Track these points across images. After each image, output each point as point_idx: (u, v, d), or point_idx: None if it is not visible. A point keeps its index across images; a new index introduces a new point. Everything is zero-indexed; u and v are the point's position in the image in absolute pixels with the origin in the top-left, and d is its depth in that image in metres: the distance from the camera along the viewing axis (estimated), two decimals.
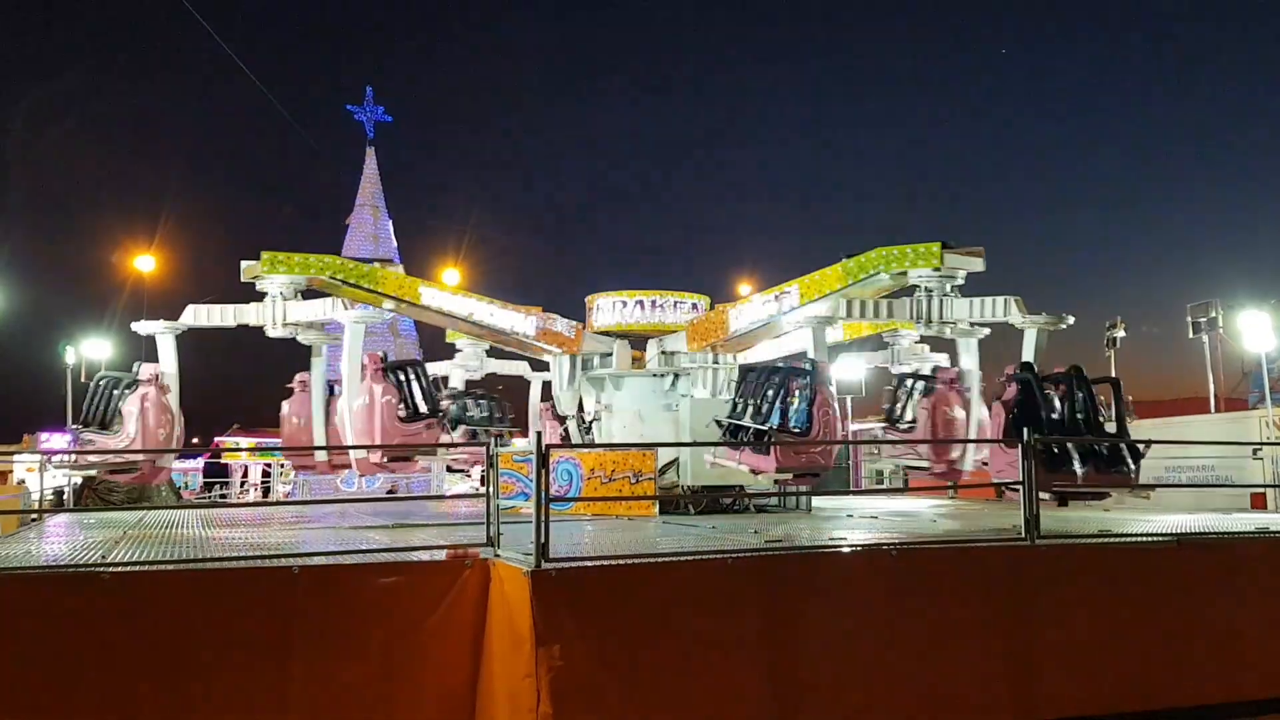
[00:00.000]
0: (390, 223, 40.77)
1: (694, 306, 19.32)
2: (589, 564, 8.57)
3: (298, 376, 16.95)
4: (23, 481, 24.24)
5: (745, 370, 15.55)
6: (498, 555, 9.01)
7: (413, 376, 16.38)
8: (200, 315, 16.53)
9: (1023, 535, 9.90)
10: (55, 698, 7.77)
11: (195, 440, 35.07)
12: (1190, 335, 24.56)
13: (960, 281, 14.86)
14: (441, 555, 9.17)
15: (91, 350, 26.51)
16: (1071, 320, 14.83)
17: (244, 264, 16.08)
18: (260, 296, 16.28)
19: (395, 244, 40.68)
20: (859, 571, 9.32)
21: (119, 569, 8.34)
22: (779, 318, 16.60)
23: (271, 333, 16.26)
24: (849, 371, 26.96)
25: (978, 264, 14.74)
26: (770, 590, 8.80)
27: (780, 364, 15.49)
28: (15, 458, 27.25)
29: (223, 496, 35.04)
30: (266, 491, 36.60)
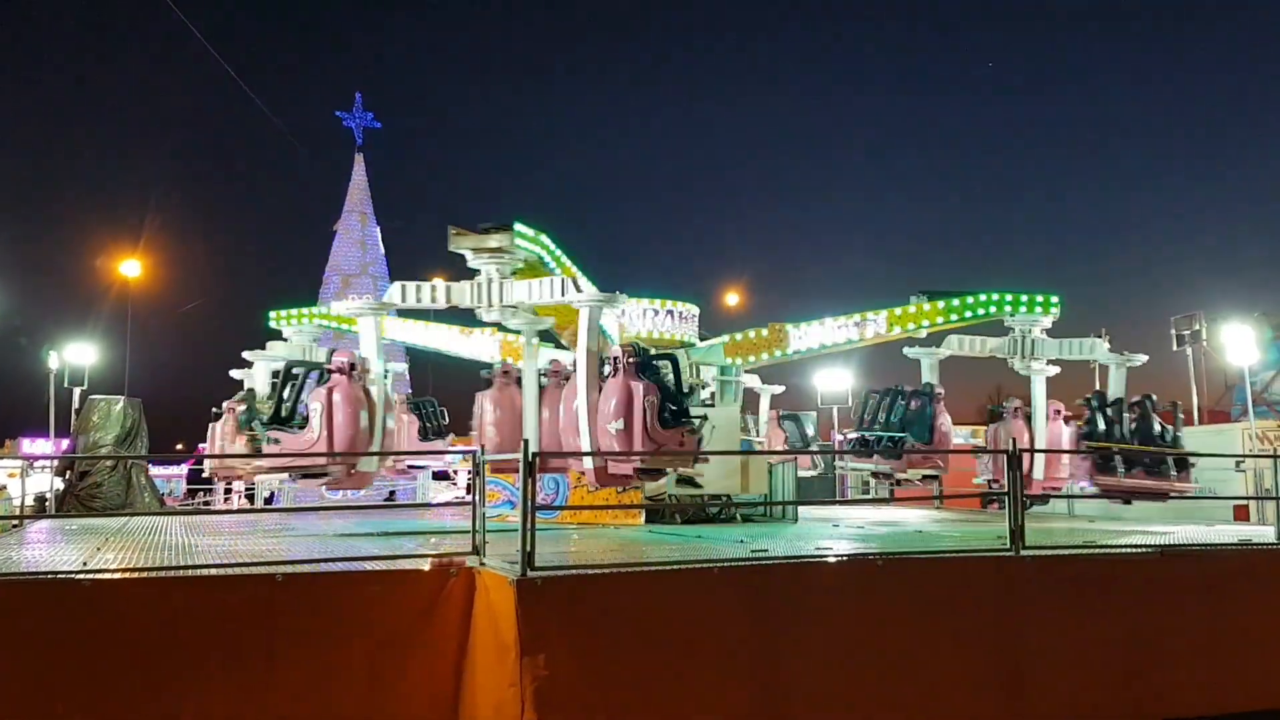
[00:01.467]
0: (378, 229, 40.72)
1: (687, 316, 19.30)
2: (575, 573, 8.54)
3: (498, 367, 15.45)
4: (3, 487, 24.03)
5: (871, 393, 18.12)
6: (483, 564, 8.97)
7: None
8: (409, 294, 14.19)
9: (1008, 546, 9.91)
10: (34, 706, 7.69)
11: (180, 446, 34.90)
12: (1174, 348, 24.69)
13: (1049, 325, 16.86)
14: (426, 564, 9.12)
15: (75, 355, 26.31)
16: (1144, 359, 17.19)
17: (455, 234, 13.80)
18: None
19: (383, 250, 40.62)
20: (845, 582, 9.31)
21: (98, 576, 8.26)
22: (855, 342, 17.96)
23: (485, 316, 14.18)
24: (838, 382, 27.07)
25: (1048, 321, 16.82)
26: (756, 600, 8.78)
27: (904, 388, 17.66)
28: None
29: (206, 503, 34.78)
30: (251, 498, 36.36)
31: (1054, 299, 16.79)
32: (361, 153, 40.86)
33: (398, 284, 14.17)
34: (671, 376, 13.42)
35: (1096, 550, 10.66)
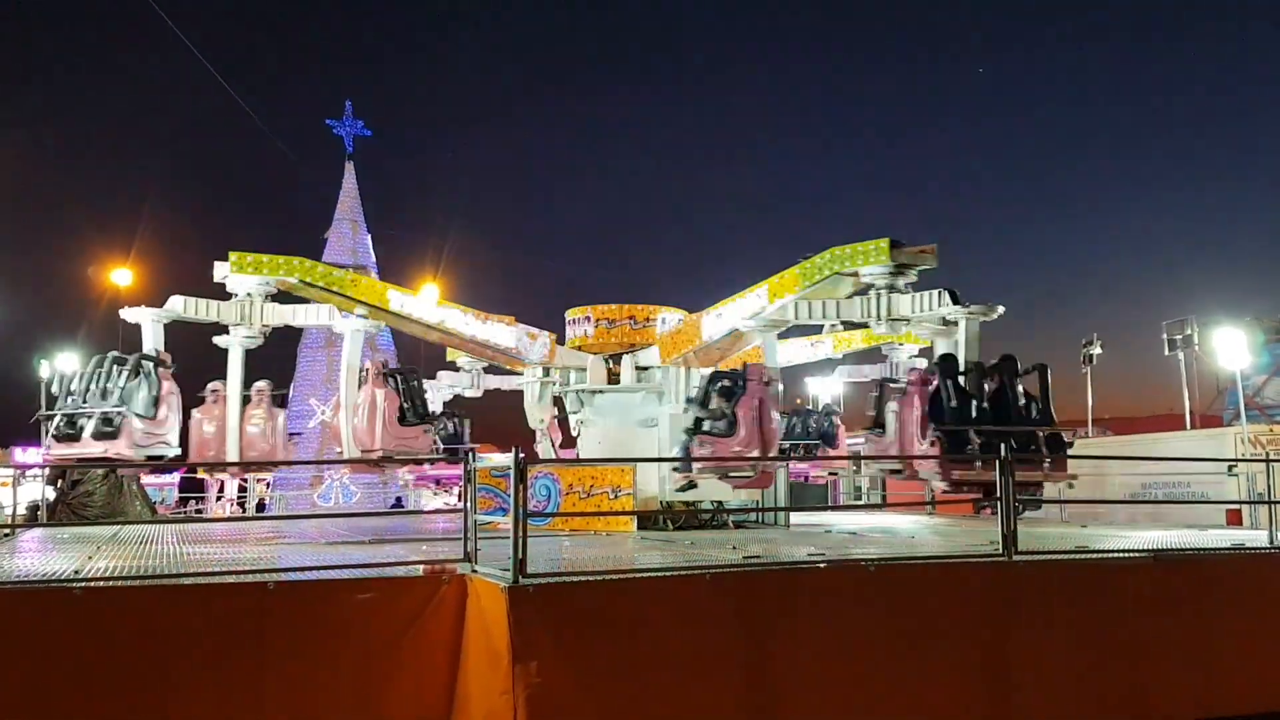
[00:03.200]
0: (369, 237, 40.68)
1: (669, 320, 19.22)
2: (567, 580, 8.53)
3: (210, 386, 16.36)
4: None
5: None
6: (475, 571, 8.95)
7: (412, 383, 16.57)
8: (188, 307, 15.93)
9: (1001, 551, 9.92)
10: (25, 715, 7.66)
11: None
12: (1166, 352, 24.78)
13: (913, 279, 14.55)
14: (418, 571, 9.11)
15: (67, 365, 26.22)
16: (1001, 310, 14.26)
17: (218, 264, 15.68)
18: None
19: (374, 258, 40.55)
20: (837, 588, 9.29)
21: (91, 584, 8.23)
22: (743, 323, 15.92)
23: (244, 334, 15.75)
24: (833, 385, 26.99)
25: (930, 261, 14.46)
26: (749, 606, 8.78)
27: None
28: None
29: (198, 511, 34.73)
30: (243, 506, 36.33)
31: (883, 243, 14.27)
32: (352, 160, 40.87)
33: (178, 297, 15.88)
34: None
35: (1089, 555, 10.67)
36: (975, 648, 9.42)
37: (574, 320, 19.08)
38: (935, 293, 14.23)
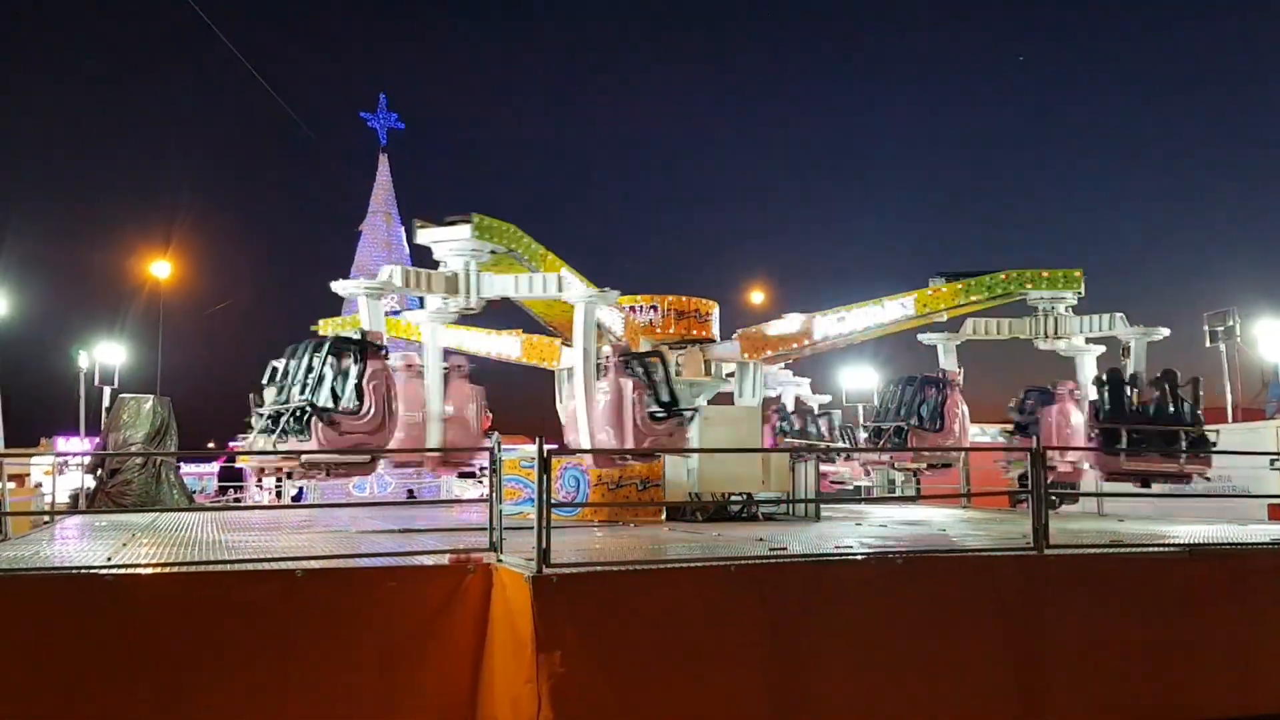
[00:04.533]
0: (403, 229, 40.87)
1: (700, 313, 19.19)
2: (591, 570, 8.52)
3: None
4: (39, 484, 24.32)
5: (890, 384, 17.74)
6: (500, 560, 8.97)
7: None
8: (400, 278, 14.40)
9: (1032, 545, 9.79)
10: (56, 699, 7.78)
11: (211, 444, 35.25)
12: (1207, 344, 24.36)
13: (1074, 303, 16.85)
14: (444, 560, 9.14)
15: (105, 355, 26.66)
16: (1166, 332, 17.14)
17: (420, 229, 14.59)
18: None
19: (408, 250, 40.77)
20: (864, 581, 9.22)
21: (121, 571, 8.33)
22: (924, 336, 17.97)
23: (450, 307, 14.68)
24: (864, 379, 26.88)
25: (1072, 297, 16.92)
26: (774, 599, 8.71)
27: (917, 376, 17.28)
28: (34, 459, 27.22)
29: (237, 500, 35.08)
30: (280, 495, 36.66)
31: (1076, 273, 16.75)
32: (385, 153, 41.11)
33: (391, 266, 14.46)
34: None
35: (1123, 549, 10.51)
36: (1006, 643, 9.29)
37: (631, 308, 18.96)
38: (1112, 315, 17.10)
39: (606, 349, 14.39)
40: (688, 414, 14.78)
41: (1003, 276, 16.82)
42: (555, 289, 14.50)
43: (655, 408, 14.28)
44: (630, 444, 13.56)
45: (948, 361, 17.61)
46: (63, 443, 36.70)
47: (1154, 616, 9.81)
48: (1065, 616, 9.53)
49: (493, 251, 14.60)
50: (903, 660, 8.92)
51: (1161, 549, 10.64)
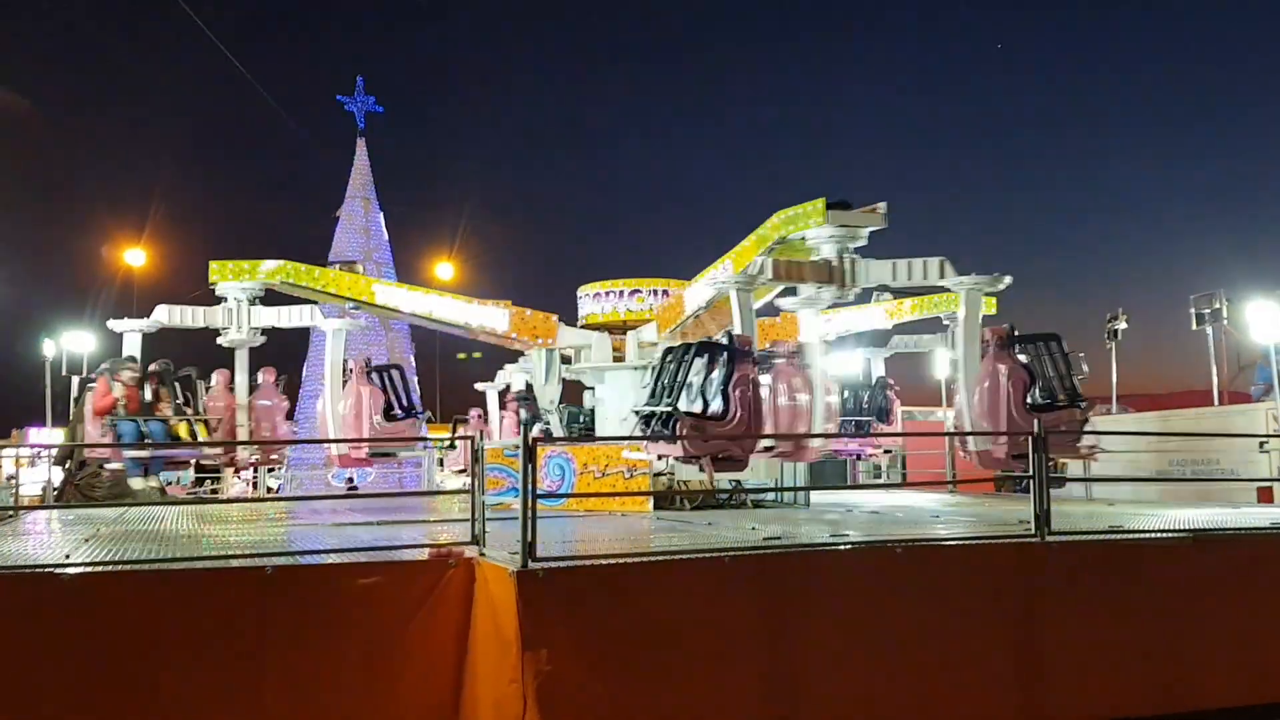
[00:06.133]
0: (381, 215, 40.22)
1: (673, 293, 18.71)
2: (578, 563, 8.14)
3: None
4: (13, 477, 23.73)
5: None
6: (483, 554, 8.59)
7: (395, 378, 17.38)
8: (173, 315, 17.05)
9: (1033, 531, 9.49)
10: (11, 703, 7.35)
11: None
12: (1194, 326, 24.17)
13: (862, 243, 14.03)
14: (424, 554, 8.75)
15: (72, 343, 26.02)
16: (1009, 280, 14.37)
17: (212, 265, 16.68)
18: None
19: (386, 236, 40.12)
20: (862, 570, 8.89)
21: (78, 569, 7.89)
22: (710, 295, 15.31)
23: (235, 335, 16.84)
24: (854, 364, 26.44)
25: (877, 222, 13.84)
26: (769, 590, 8.37)
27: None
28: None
29: (213, 492, 34.53)
30: (255, 486, 36.12)
31: (817, 202, 13.61)
32: (363, 137, 40.41)
33: (162, 306, 17.36)
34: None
35: (1126, 535, 10.23)
36: (1007, 633, 9.00)
37: (631, 291, 18.39)
38: (935, 261, 14.06)
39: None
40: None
41: (775, 220, 14.13)
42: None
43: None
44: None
45: (745, 318, 14.03)
46: (34, 434, 36.02)
47: (1159, 604, 9.55)
48: (1068, 605, 9.25)
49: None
50: (901, 652, 8.61)
51: (1165, 534, 10.37)
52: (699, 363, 12.71)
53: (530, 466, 8.08)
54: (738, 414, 12.47)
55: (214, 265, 16.46)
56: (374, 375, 17.47)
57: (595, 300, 18.40)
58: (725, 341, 13.00)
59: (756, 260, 14.32)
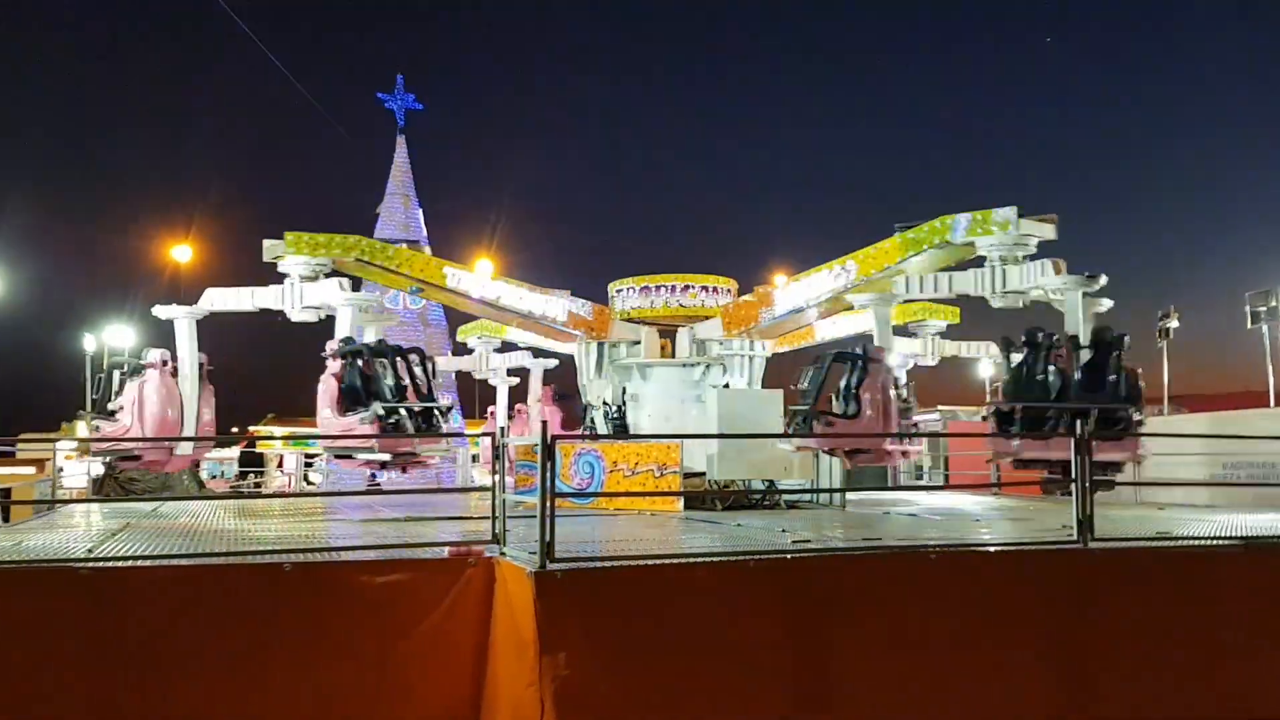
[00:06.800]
0: (420, 211, 40.35)
1: (721, 291, 18.49)
2: (598, 565, 7.90)
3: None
4: (61, 469, 24.01)
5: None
6: (503, 554, 8.39)
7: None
8: (219, 300, 16.29)
9: (1075, 537, 9.11)
10: (27, 696, 7.27)
11: (234, 429, 34.96)
12: (1249, 325, 23.42)
13: (1032, 251, 14.00)
14: (443, 553, 8.56)
15: (114, 337, 26.32)
16: (1104, 280, 14.11)
17: (266, 243, 15.86)
18: (280, 280, 16.03)
19: (425, 233, 40.21)
20: (894, 577, 8.54)
21: (96, 564, 7.81)
22: (827, 296, 15.87)
23: (294, 316, 15.96)
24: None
25: (1050, 232, 13.89)
26: (796, 596, 8.07)
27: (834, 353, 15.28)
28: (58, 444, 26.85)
29: (256, 486, 34.81)
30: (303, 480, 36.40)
31: (1006, 211, 13.82)
32: (403, 134, 40.54)
33: (209, 290, 16.40)
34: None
35: (1173, 542, 9.82)
36: (1049, 643, 8.62)
37: (684, 287, 18.17)
38: (1040, 264, 13.93)
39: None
40: None
41: (937, 224, 14.32)
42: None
43: None
44: None
45: (882, 330, 15.11)
46: (82, 429, 36.53)
47: (1208, 614, 9.12)
48: (1113, 614, 8.85)
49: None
50: (936, 663, 8.25)
51: (1215, 541, 9.93)
52: (838, 369, 14.08)
53: (549, 465, 7.86)
54: (868, 414, 13.86)
55: (289, 236, 15.63)
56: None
57: (643, 294, 18.09)
58: (861, 351, 14.42)
59: (900, 279, 14.89)
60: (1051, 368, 13.54)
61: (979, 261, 14.47)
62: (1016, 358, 13.99)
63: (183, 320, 16.21)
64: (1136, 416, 13.77)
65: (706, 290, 17.93)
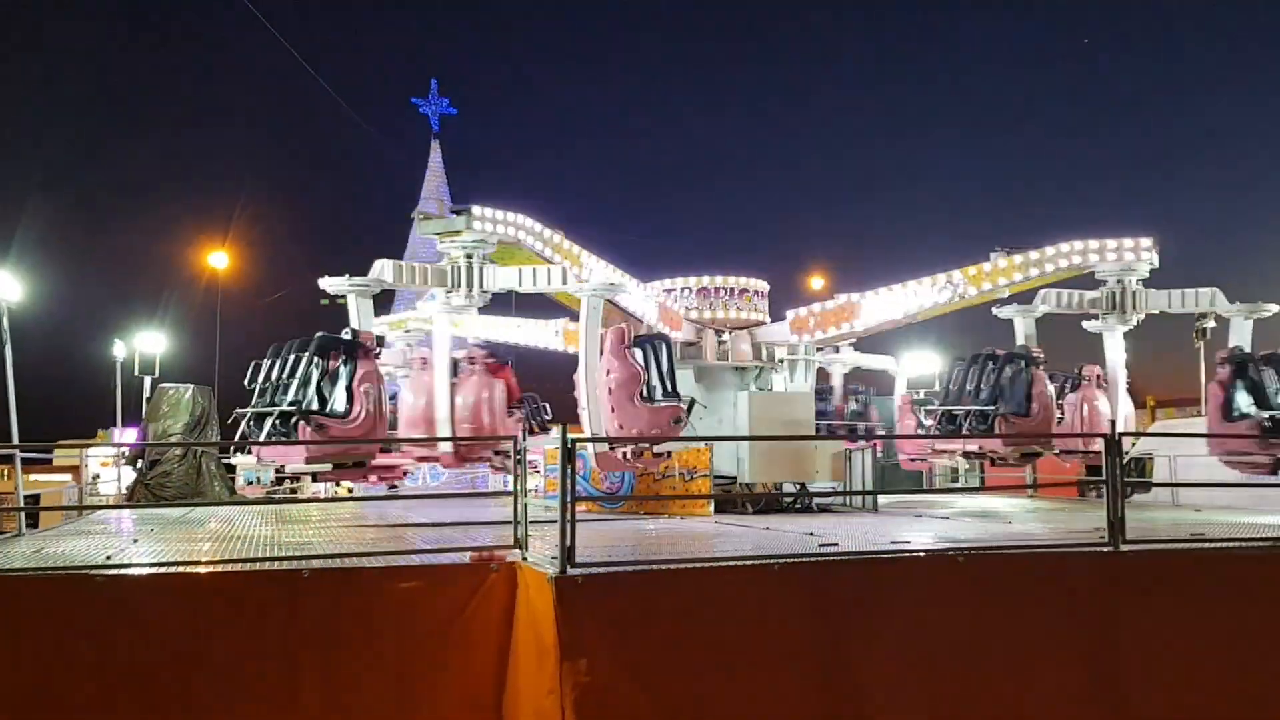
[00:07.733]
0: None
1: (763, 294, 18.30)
2: (620, 569, 7.80)
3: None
4: (97, 476, 24.28)
5: (958, 360, 15.92)
6: (525, 559, 8.30)
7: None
8: (397, 273, 13.61)
9: (1107, 540, 8.90)
10: (46, 704, 7.27)
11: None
12: None
13: (1145, 276, 15.39)
14: (465, 558, 8.50)
15: (145, 344, 26.56)
16: (1274, 309, 15.47)
17: (418, 222, 14.50)
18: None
19: None
20: (923, 580, 8.39)
21: (113, 572, 7.80)
22: (929, 308, 16.52)
23: (459, 301, 13.62)
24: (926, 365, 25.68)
25: (1149, 258, 15.32)
26: (823, 601, 7.95)
27: (996, 353, 15.57)
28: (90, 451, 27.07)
29: (293, 491, 34.93)
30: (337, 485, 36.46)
31: (1145, 242, 15.18)
32: (438, 139, 40.65)
33: (382, 261, 13.31)
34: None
35: (1206, 544, 9.58)
36: (1080, 647, 8.44)
37: (740, 291, 17.97)
38: (1209, 291, 15.58)
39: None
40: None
41: (1065, 248, 15.45)
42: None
43: None
44: None
45: (1026, 338, 15.73)
46: (118, 435, 36.95)
47: (1243, 616, 8.89)
48: (1146, 617, 8.66)
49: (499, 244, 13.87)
50: (967, 668, 8.10)
51: (1249, 543, 9.69)
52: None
53: (569, 468, 7.77)
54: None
55: (475, 210, 13.54)
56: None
57: (702, 297, 17.83)
58: (1022, 352, 14.89)
59: (1041, 292, 15.58)
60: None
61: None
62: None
63: (354, 295, 13.04)
64: None
65: (759, 295, 17.83)
